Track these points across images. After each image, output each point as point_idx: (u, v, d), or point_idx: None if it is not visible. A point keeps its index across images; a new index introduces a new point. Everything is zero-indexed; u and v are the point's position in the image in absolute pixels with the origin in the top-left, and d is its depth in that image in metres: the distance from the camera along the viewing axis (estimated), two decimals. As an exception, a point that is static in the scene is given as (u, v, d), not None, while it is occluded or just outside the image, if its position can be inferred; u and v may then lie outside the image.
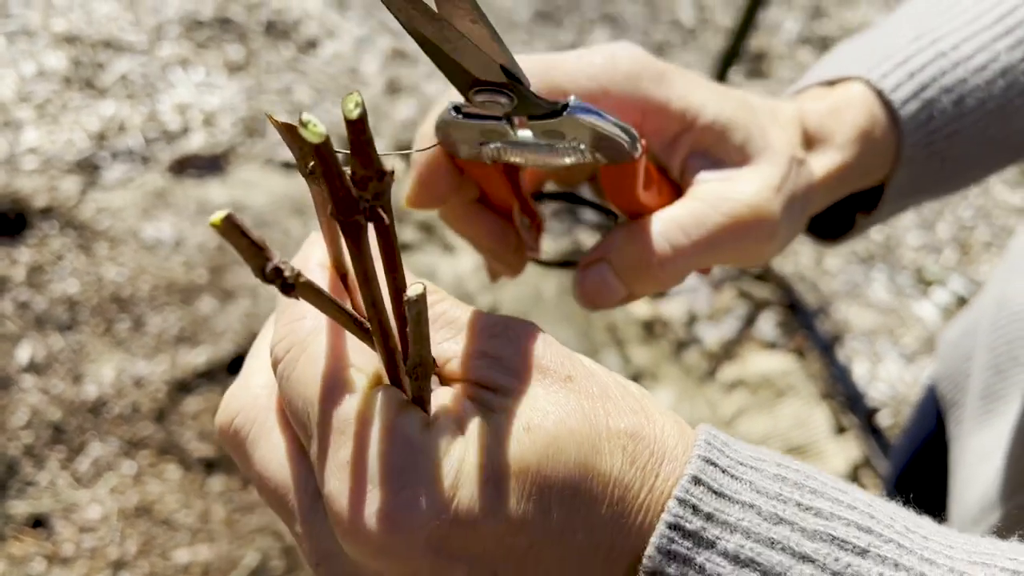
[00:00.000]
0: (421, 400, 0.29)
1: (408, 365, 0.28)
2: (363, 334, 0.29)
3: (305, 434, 0.30)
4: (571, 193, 0.51)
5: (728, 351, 2.06)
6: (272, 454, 0.31)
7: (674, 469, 0.30)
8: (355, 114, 0.23)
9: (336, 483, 0.28)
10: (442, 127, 0.38)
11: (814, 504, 0.29)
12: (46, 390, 1.63)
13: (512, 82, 0.34)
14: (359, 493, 0.27)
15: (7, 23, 2.28)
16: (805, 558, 0.28)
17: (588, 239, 2.17)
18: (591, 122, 0.35)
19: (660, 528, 0.28)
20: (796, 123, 0.46)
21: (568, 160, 0.38)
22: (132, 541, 1.48)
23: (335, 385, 0.29)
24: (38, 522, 1.48)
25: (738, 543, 0.28)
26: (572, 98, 0.36)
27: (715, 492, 0.29)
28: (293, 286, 0.25)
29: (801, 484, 0.30)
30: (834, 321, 2.18)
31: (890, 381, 2.08)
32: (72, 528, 1.47)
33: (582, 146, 0.37)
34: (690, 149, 0.42)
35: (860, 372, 2.08)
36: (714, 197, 0.41)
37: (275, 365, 0.31)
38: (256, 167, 2.11)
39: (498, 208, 0.45)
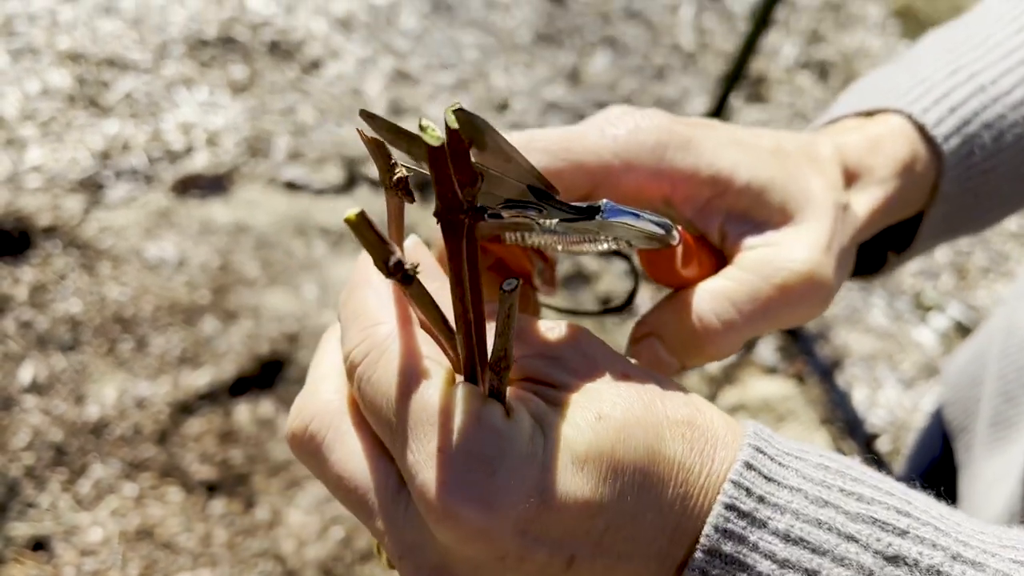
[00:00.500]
0: (499, 394, 0.31)
1: (492, 358, 0.30)
2: (446, 332, 0.31)
3: (388, 431, 0.31)
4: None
5: (729, 375, 2.06)
6: (351, 455, 0.32)
7: (727, 455, 0.32)
8: (442, 142, 0.25)
9: (428, 472, 0.29)
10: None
11: (856, 490, 0.31)
12: (48, 411, 1.63)
13: (541, 196, 0.34)
14: (452, 480, 0.29)
15: (12, 40, 2.29)
16: (850, 538, 0.30)
17: (590, 262, 2.18)
18: (626, 224, 0.35)
19: (717, 508, 0.31)
20: (835, 162, 0.44)
21: (602, 248, 0.37)
22: (133, 564, 1.47)
23: (418, 381, 0.31)
24: (39, 545, 1.47)
25: (788, 523, 0.30)
26: (605, 201, 0.35)
27: (765, 477, 0.31)
28: (412, 278, 0.28)
29: (843, 472, 0.32)
30: (834, 346, 2.19)
31: (889, 407, 2.09)
32: (73, 551, 1.47)
33: (617, 241, 0.37)
34: (726, 214, 0.41)
35: (859, 398, 2.09)
36: (763, 267, 0.39)
37: (352, 369, 0.32)
38: (259, 187, 2.12)
39: (515, 271, 0.44)
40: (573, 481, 0.30)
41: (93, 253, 1.89)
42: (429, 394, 0.30)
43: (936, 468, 0.87)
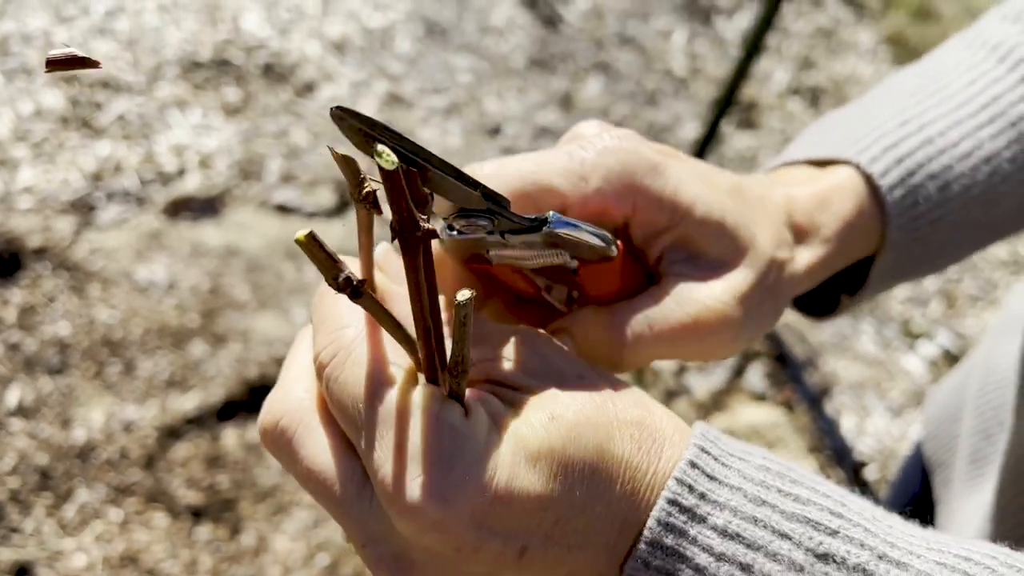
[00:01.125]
0: (458, 396, 0.33)
1: (450, 362, 0.32)
2: (404, 338, 0.33)
3: (354, 428, 0.33)
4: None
5: (717, 402, 2.07)
6: (319, 449, 0.34)
7: (673, 454, 0.34)
8: (396, 165, 0.28)
9: (390, 467, 0.31)
10: (441, 242, 0.41)
11: (793, 491, 0.34)
12: (34, 434, 1.62)
13: (492, 206, 0.36)
14: (412, 475, 0.31)
15: (6, 61, 2.29)
16: (783, 535, 0.33)
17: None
18: (568, 235, 0.37)
19: (660, 503, 0.33)
20: (784, 215, 0.46)
21: (554, 261, 0.40)
22: (117, 591, 1.46)
23: (382, 382, 0.33)
24: (22, 570, 1.46)
25: (726, 519, 0.33)
26: (551, 214, 0.37)
27: (708, 475, 0.34)
28: (361, 293, 0.30)
29: (783, 474, 0.34)
30: (822, 373, 2.20)
31: (877, 435, 2.09)
32: (56, 577, 1.46)
33: (563, 253, 0.39)
34: (673, 242, 0.43)
35: (848, 426, 2.10)
36: (682, 295, 0.42)
37: (320, 369, 0.35)
38: (251, 210, 2.12)
39: (529, 293, 0.47)
40: (526, 477, 0.32)
41: (83, 275, 1.89)
42: (391, 395, 0.33)
43: (917, 503, 0.88)
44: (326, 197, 2.19)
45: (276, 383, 0.38)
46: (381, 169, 0.28)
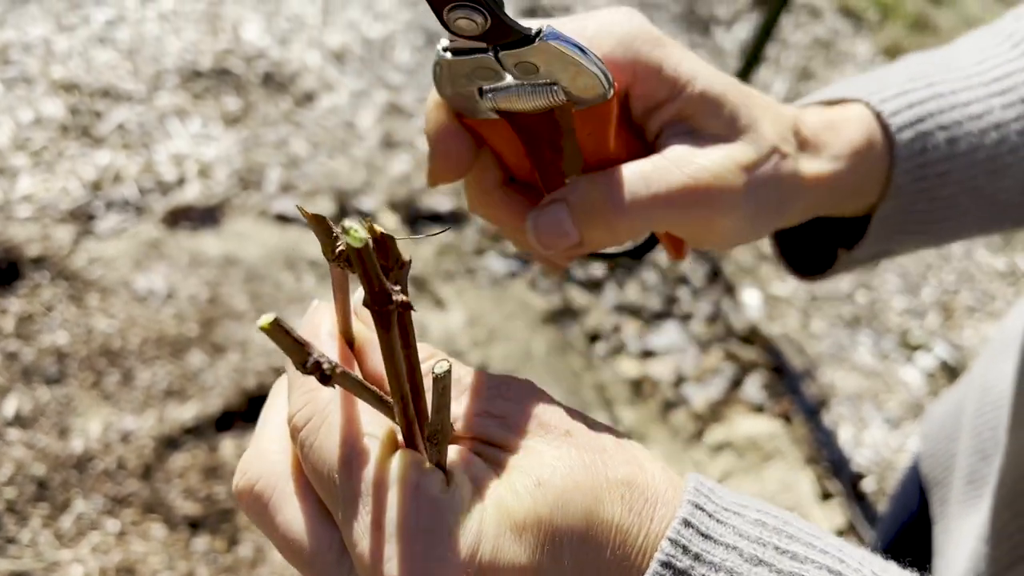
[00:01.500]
0: (437, 464, 0.32)
1: (428, 431, 0.31)
2: (383, 406, 0.32)
3: (331, 497, 0.32)
4: (615, 254, 0.52)
5: (715, 413, 2.07)
6: (294, 518, 0.33)
7: (666, 513, 0.33)
8: (364, 242, 0.27)
9: (367, 543, 0.30)
10: (437, 70, 0.40)
11: (790, 548, 0.32)
12: (31, 444, 1.62)
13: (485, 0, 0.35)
14: (391, 552, 0.30)
15: (6, 69, 2.30)
16: None
17: (579, 297, 2.19)
18: (563, 49, 0.36)
19: (654, 566, 0.31)
20: (790, 124, 0.46)
21: (549, 101, 0.39)
22: (113, 602, 1.46)
23: (358, 452, 0.32)
24: (18, 581, 1.46)
25: None
26: (546, 26, 0.36)
27: (702, 535, 0.32)
28: (331, 377, 0.29)
29: (779, 529, 0.33)
30: (820, 384, 2.20)
31: (875, 447, 2.09)
32: (53, 588, 1.46)
33: (557, 82, 0.38)
34: (673, 116, 0.42)
35: (845, 437, 2.10)
36: (680, 157, 0.41)
37: (294, 433, 0.33)
38: (250, 220, 2.12)
39: (527, 183, 0.46)
40: (511, 549, 0.31)
41: (82, 284, 1.89)
42: (368, 466, 0.31)
43: (915, 521, 0.88)
44: (325, 206, 2.19)
45: (252, 440, 0.36)
46: (349, 246, 0.27)
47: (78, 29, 2.48)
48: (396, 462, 0.32)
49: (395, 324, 0.30)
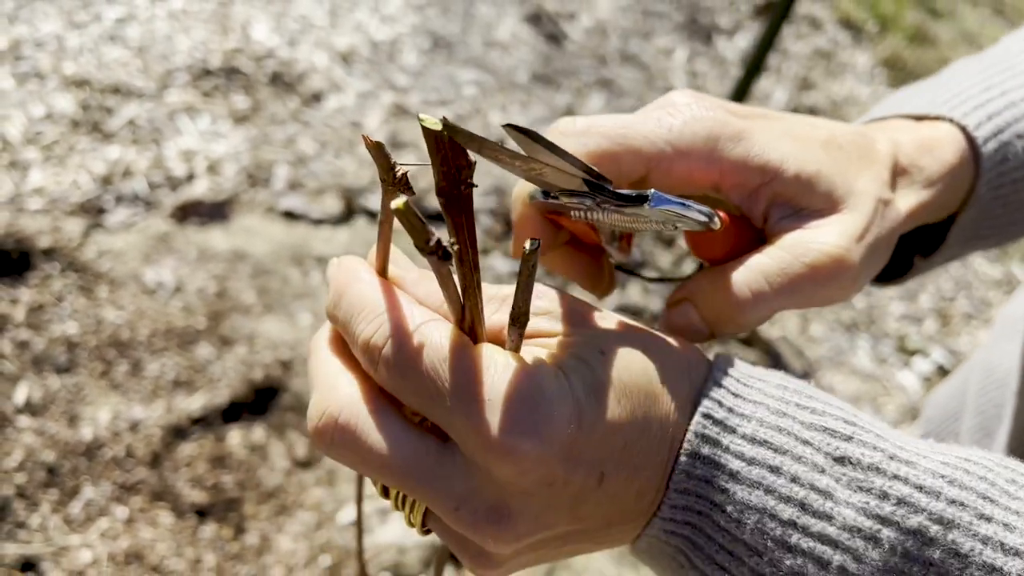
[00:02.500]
0: (516, 347, 0.36)
1: (513, 313, 0.34)
2: (459, 304, 0.35)
3: (429, 398, 0.34)
4: (639, 274, 0.54)
5: (715, 413, 2.09)
6: (386, 435, 0.35)
7: (700, 375, 0.38)
8: (440, 127, 0.29)
9: (485, 417, 0.33)
10: (534, 197, 0.43)
11: (810, 404, 0.37)
12: (42, 431, 1.64)
13: (594, 186, 0.38)
14: (507, 420, 0.33)
15: (18, 65, 2.32)
16: (805, 442, 0.36)
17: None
18: (671, 212, 0.38)
19: (696, 418, 0.37)
20: (889, 159, 0.47)
21: (652, 230, 0.41)
22: (121, 587, 1.48)
23: (450, 348, 0.34)
24: (28, 565, 1.47)
25: (754, 429, 0.36)
26: (652, 192, 0.38)
27: (732, 393, 0.37)
28: (450, 256, 0.32)
29: (799, 391, 0.38)
30: (819, 387, 2.22)
31: (873, 449, 2.12)
32: (62, 573, 1.47)
33: (665, 225, 0.40)
34: (771, 201, 0.44)
35: (843, 439, 2.12)
36: (796, 246, 0.43)
37: (374, 354, 0.35)
38: (258, 216, 2.15)
39: (587, 244, 0.49)
40: (596, 407, 0.35)
41: (91, 276, 1.91)
42: (466, 356, 0.34)
43: None
44: (332, 204, 2.22)
45: (313, 388, 0.38)
46: (428, 131, 0.29)
47: (89, 26, 2.50)
48: (485, 350, 0.35)
49: (469, 205, 0.31)
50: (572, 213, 0.42)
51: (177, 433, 1.70)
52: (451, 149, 0.30)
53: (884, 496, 0.35)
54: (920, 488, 0.35)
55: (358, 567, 0.46)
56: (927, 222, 0.51)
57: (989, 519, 0.34)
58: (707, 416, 0.37)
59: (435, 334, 0.35)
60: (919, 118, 0.52)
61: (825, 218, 0.43)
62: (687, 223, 0.39)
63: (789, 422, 0.37)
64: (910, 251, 0.56)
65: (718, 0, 3.58)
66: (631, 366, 0.36)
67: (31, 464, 1.59)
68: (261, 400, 1.79)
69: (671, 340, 0.40)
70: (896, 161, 0.47)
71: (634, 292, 2.28)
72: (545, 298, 0.39)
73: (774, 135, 0.44)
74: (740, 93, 2.54)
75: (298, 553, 1.58)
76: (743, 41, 3.37)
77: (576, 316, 0.39)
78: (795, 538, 0.35)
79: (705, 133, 0.42)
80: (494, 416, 0.33)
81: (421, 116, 0.29)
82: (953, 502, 0.35)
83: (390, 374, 0.35)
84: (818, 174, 0.43)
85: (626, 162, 0.42)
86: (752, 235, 0.46)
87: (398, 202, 0.30)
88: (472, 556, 0.37)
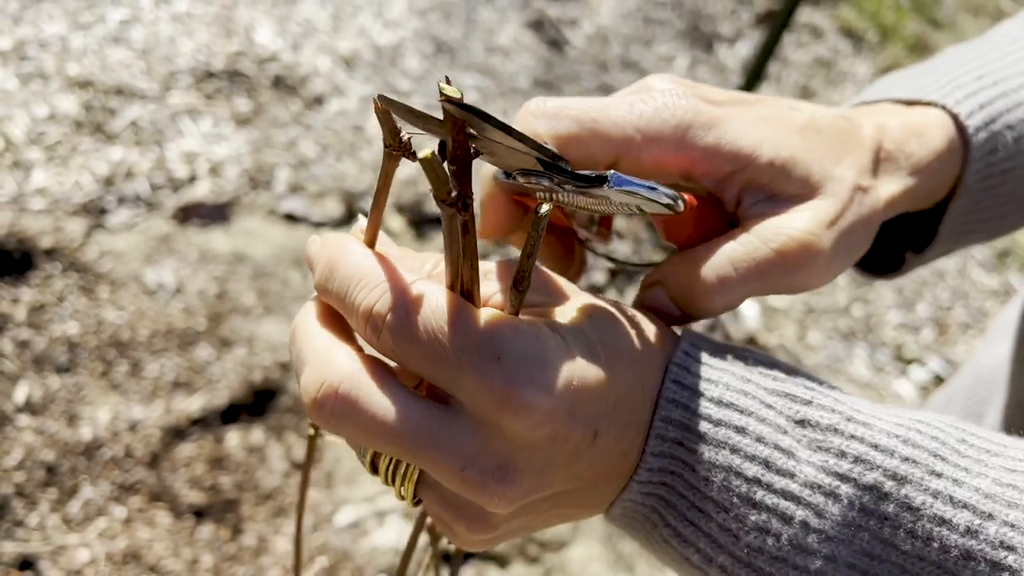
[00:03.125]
0: (516, 311, 0.37)
1: (517, 275, 0.35)
2: (472, 262, 0.35)
3: (435, 363, 0.35)
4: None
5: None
6: (389, 402, 0.35)
7: (671, 345, 0.41)
8: (460, 95, 0.31)
9: (495, 375, 0.34)
10: (493, 176, 0.43)
11: (772, 372, 0.40)
12: (41, 430, 1.64)
13: (552, 165, 0.37)
14: (517, 376, 0.34)
15: (22, 65, 2.33)
16: (768, 405, 0.38)
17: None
18: (631, 193, 0.38)
19: (667, 383, 0.39)
20: (872, 143, 0.46)
21: (616, 212, 0.41)
22: (119, 587, 1.48)
23: (460, 308, 0.35)
24: (26, 563, 1.48)
25: (720, 392, 0.39)
26: (611, 172, 0.37)
27: (701, 361, 0.40)
28: (468, 207, 0.32)
29: (762, 360, 0.41)
30: (815, 395, 2.23)
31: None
32: (59, 572, 1.48)
33: (627, 207, 0.40)
34: (743, 187, 0.43)
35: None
36: (765, 231, 0.42)
37: (377, 322, 0.35)
38: (259, 218, 2.16)
39: (558, 227, 0.49)
40: (594, 365, 0.36)
41: (92, 276, 1.92)
42: (473, 317, 0.35)
43: None
44: (333, 207, 2.23)
45: (307, 362, 0.37)
46: (443, 95, 0.30)
47: (94, 28, 2.52)
48: (490, 311, 0.36)
49: (470, 171, 0.32)
50: (536, 194, 0.41)
51: (176, 434, 1.71)
52: (464, 119, 0.31)
53: (842, 455, 0.37)
54: (876, 447, 0.37)
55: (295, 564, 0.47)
56: (911, 210, 0.50)
57: (939, 475, 0.36)
58: (677, 382, 0.39)
59: (440, 298, 0.35)
60: (909, 103, 0.51)
61: (798, 204, 0.43)
62: (650, 205, 0.39)
63: (753, 387, 0.39)
64: (902, 246, 0.56)
65: (720, 8, 3.59)
66: (616, 330, 0.38)
67: (30, 463, 1.60)
68: (260, 402, 1.80)
69: (645, 315, 0.42)
70: (880, 146, 0.47)
71: (632, 298, 2.29)
72: (533, 274, 0.40)
73: (749, 122, 0.43)
74: (740, 101, 2.55)
75: (294, 555, 1.59)
76: (744, 49, 3.38)
77: (558, 289, 0.41)
78: (759, 494, 0.37)
79: (675, 121, 0.42)
80: (506, 372, 0.34)
81: (441, 85, 0.30)
82: (906, 459, 0.37)
83: (396, 340, 0.35)
84: (793, 160, 0.43)
85: (595, 147, 0.41)
86: (723, 216, 0.45)
87: (425, 152, 0.30)
88: (469, 520, 0.38)
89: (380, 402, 0.35)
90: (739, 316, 2.35)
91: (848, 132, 0.45)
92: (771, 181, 0.43)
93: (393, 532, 1.66)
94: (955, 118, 0.49)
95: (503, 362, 0.34)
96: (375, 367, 0.36)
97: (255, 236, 2.11)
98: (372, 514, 1.68)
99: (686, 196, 0.41)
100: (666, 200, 0.38)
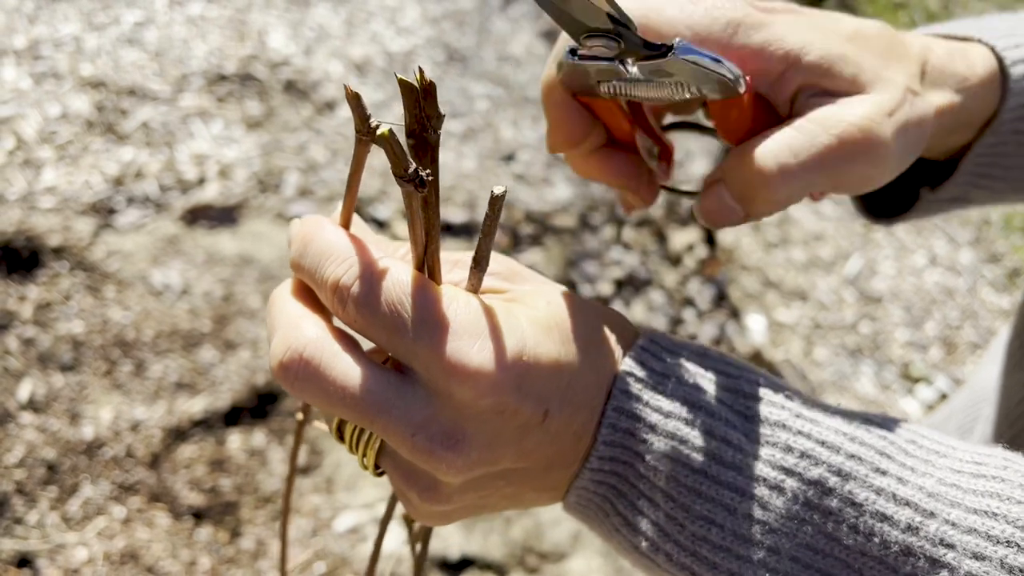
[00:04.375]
0: (475, 290, 0.39)
1: (476, 256, 0.37)
2: (431, 238, 0.37)
3: (394, 332, 0.36)
4: (689, 122, 0.53)
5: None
6: (349, 368, 0.36)
7: (629, 337, 0.42)
8: (417, 83, 0.32)
9: (448, 344, 0.35)
10: (562, 67, 0.43)
11: (726, 369, 0.41)
12: (43, 428, 1.65)
13: (619, 28, 0.38)
14: (469, 347, 0.35)
15: (36, 64, 2.35)
16: (719, 400, 0.40)
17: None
18: (695, 62, 0.38)
19: (622, 374, 0.40)
20: (919, 56, 0.46)
21: (677, 96, 0.41)
22: (116, 587, 1.48)
23: (420, 282, 0.37)
24: (24, 561, 1.48)
25: (673, 386, 0.39)
26: (678, 40, 0.38)
27: (655, 356, 0.41)
28: (426, 185, 0.34)
29: (717, 358, 0.41)
30: (821, 411, 2.22)
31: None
32: (57, 570, 1.48)
33: (689, 84, 0.40)
34: (798, 86, 0.43)
35: (844, 464, 2.11)
36: (825, 119, 0.42)
37: (343, 293, 0.37)
38: (267, 221, 2.16)
39: (625, 144, 0.48)
40: (546, 344, 0.37)
41: (99, 276, 1.92)
42: (431, 292, 0.36)
43: None
44: (341, 213, 2.23)
45: (277, 328, 0.39)
46: (404, 83, 0.31)
47: (108, 29, 2.53)
48: (449, 287, 0.38)
49: (436, 149, 0.34)
50: (601, 88, 0.42)
51: (177, 435, 1.70)
52: (425, 100, 0.32)
53: (788, 449, 0.38)
54: (822, 443, 0.38)
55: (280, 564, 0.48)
56: (945, 146, 0.51)
57: (884, 472, 0.37)
58: (630, 374, 0.40)
59: (402, 273, 0.37)
60: (949, 37, 0.52)
61: (853, 96, 0.42)
62: (711, 83, 0.39)
63: (705, 382, 0.40)
64: (917, 184, 0.56)
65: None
66: (573, 315, 0.40)
67: (31, 461, 1.60)
68: (262, 405, 1.80)
69: (607, 308, 0.43)
70: (927, 60, 0.47)
71: (638, 311, 2.28)
72: (497, 262, 0.42)
73: (797, 26, 0.43)
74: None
75: (293, 559, 1.59)
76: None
77: (523, 278, 0.42)
78: (705, 486, 0.38)
79: (725, 20, 0.42)
80: (457, 343, 0.35)
81: (399, 76, 0.31)
82: (852, 456, 0.37)
83: (359, 311, 0.37)
84: (843, 58, 0.43)
85: None
86: (776, 120, 0.45)
87: (384, 129, 0.32)
88: (422, 490, 0.39)
89: (341, 368, 0.36)
90: (745, 331, 2.34)
91: (895, 42, 0.45)
92: (822, 78, 0.42)
93: (392, 539, 1.65)
94: (994, 51, 0.50)
95: (457, 334, 0.36)
96: (341, 337, 0.38)
97: (262, 239, 2.12)
98: (371, 520, 1.67)
99: (747, 77, 0.41)
100: (731, 74, 0.39)
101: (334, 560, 1.60)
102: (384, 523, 0.48)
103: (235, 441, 1.73)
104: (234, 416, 1.77)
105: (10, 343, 1.75)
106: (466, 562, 1.65)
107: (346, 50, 2.73)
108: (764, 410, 0.39)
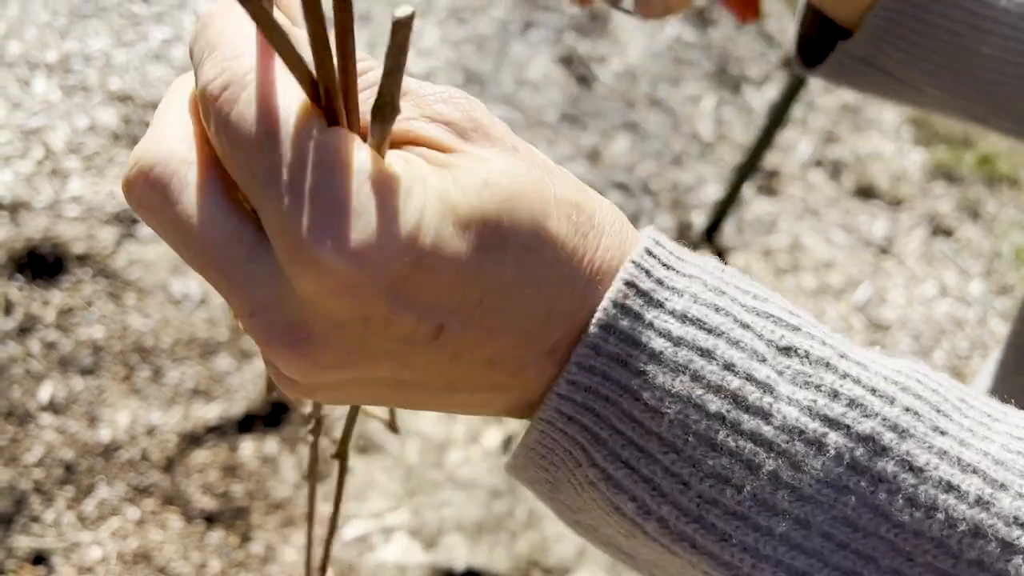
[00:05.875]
0: (378, 146, 0.28)
1: (377, 102, 0.26)
2: (302, 72, 0.27)
3: (248, 175, 0.27)
4: None
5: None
6: (200, 206, 0.28)
7: (612, 243, 0.31)
8: None
9: (295, 215, 0.26)
10: None
11: (752, 290, 0.32)
12: (62, 429, 1.69)
13: None
14: (323, 226, 0.26)
15: (67, 77, 2.42)
16: (745, 325, 0.30)
17: None
18: None
19: (616, 284, 0.30)
20: None
21: None
22: (128, 586, 1.51)
23: (285, 121, 0.27)
24: (39, 558, 1.51)
25: (685, 305, 0.30)
26: None
27: (664, 264, 0.31)
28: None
29: (740, 276, 0.32)
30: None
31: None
32: (71, 568, 1.51)
33: None
34: None
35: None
36: None
37: (209, 103, 0.28)
38: (285, 235, 2.21)
39: None
40: (452, 245, 0.27)
41: (121, 283, 1.97)
42: (300, 133, 0.27)
43: None
44: (357, 228, 2.28)
45: (147, 132, 0.30)
46: None
47: (137, 45, 2.60)
48: (331, 135, 0.27)
49: None
50: None
51: (192, 440, 1.74)
52: None
53: (835, 395, 0.30)
54: (874, 391, 0.30)
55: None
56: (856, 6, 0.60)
57: (944, 432, 0.30)
58: (630, 284, 0.30)
59: (282, 99, 0.27)
60: None
61: None
62: None
63: (727, 302, 0.31)
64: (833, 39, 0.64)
65: (748, 51, 3.64)
66: (516, 211, 0.29)
67: (49, 460, 1.64)
68: (275, 414, 1.83)
69: (589, 195, 0.32)
70: None
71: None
72: (453, 105, 0.31)
73: None
74: (764, 142, 2.58)
75: (301, 565, 1.61)
76: (771, 91, 3.42)
77: (482, 134, 0.30)
78: (722, 435, 0.29)
79: None
80: (310, 215, 0.26)
81: None
82: (908, 410, 0.30)
83: (217, 133, 0.28)
84: None
85: None
86: None
87: None
88: (275, 373, 0.31)
89: (189, 201, 0.28)
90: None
91: None
92: None
93: (399, 549, 1.68)
94: None
95: (313, 201, 0.26)
96: (206, 164, 0.29)
97: (280, 252, 2.16)
98: (379, 530, 1.70)
99: None
100: None
101: (341, 568, 1.63)
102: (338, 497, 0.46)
103: (248, 448, 1.76)
104: (248, 423, 1.80)
105: (33, 346, 1.80)
106: (471, 574, 1.68)
107: (367, 70, 2.79)
108: (803, 342, 0.31)
